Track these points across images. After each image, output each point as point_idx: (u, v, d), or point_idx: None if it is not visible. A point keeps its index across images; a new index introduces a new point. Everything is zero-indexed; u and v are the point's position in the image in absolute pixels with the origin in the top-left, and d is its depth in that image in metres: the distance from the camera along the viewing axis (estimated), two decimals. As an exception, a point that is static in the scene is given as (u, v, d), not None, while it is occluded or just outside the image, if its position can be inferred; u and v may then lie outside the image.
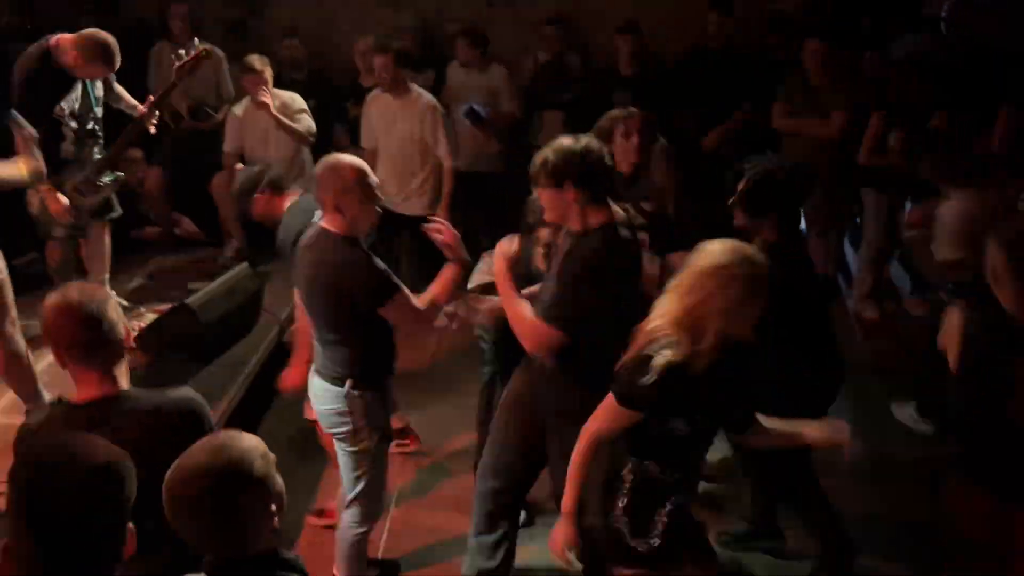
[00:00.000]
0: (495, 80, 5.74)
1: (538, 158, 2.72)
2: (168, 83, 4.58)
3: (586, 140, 2.76)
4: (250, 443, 1.70)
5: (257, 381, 4.27)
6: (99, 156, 4.45)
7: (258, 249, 5.43)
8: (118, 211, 4.65)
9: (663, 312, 2.35)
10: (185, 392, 2.24)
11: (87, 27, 5.71)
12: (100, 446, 1.66)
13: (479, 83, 5.72)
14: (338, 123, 5.83)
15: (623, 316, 2.57)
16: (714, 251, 2.33)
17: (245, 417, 4.07)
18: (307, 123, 5.19)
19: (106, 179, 4.47)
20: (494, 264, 2.87)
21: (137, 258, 5.56)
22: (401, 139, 5.09)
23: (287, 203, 3.61)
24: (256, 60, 5.14)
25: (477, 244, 5.93)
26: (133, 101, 4.57)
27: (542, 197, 2.76)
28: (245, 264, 4.64)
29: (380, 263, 2.85)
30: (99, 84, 4.44)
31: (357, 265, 2.81)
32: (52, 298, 2.14)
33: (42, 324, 2.16)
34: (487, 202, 5.51)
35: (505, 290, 2.82)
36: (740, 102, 5.49)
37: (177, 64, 4.53)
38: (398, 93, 5.06)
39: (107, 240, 4.63)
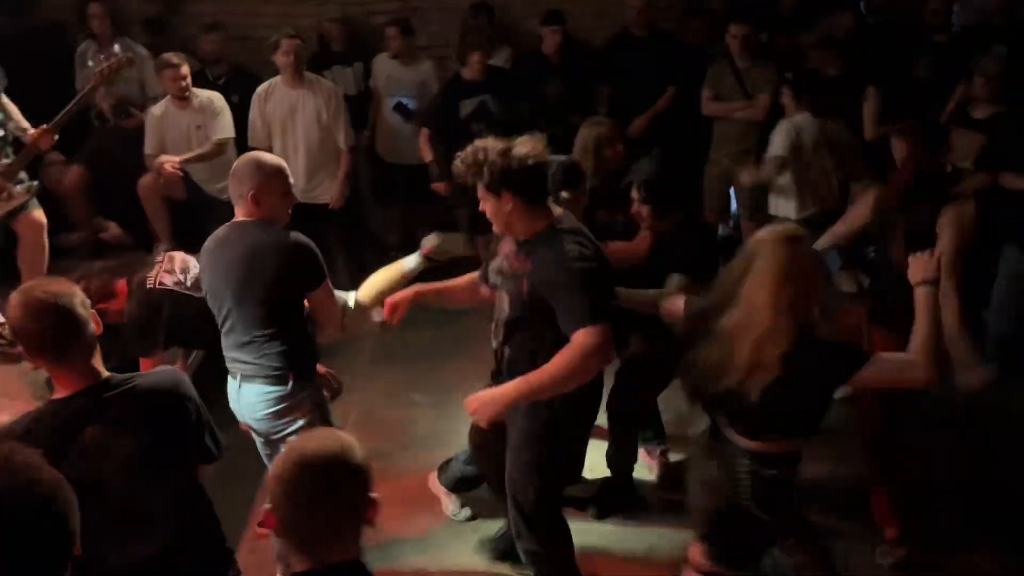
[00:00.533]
0: (423, 73, 5.71)
1: (467, 164, 2.65)
2: (82, 92, 4.47)
3: (516, 146, 2.65)
4: (350, 438, 1.72)
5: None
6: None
7: (187, 252, 5.33)
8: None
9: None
10: (166, 369, 2.33)
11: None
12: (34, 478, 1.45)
13: (408, 76, 5.68)
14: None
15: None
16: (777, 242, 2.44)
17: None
18: (224, 125, 5.12)
19: (19, 188, 4.35)
20: (490, 416, 2.70)
21: (62, 264, 5.37)
22: (307, 127, 5.03)
23: None
24: (173, 56, 5.05)
25: (411, 236, 5.99)
26: (24, 124, 4.47)
27: (484, 207, 2.70)
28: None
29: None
30: None
31: (294, 244, 2.81)
32: (17, 298, 2.08)
33: (9, 325, 2.11)
34: (417, 195, 5.51)
35: (518, 398, 2.67)
36: (664, 87, 5.56)
37: (95, 70, 4.42)
38: (298, 83, 5.02)
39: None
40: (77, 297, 2.12)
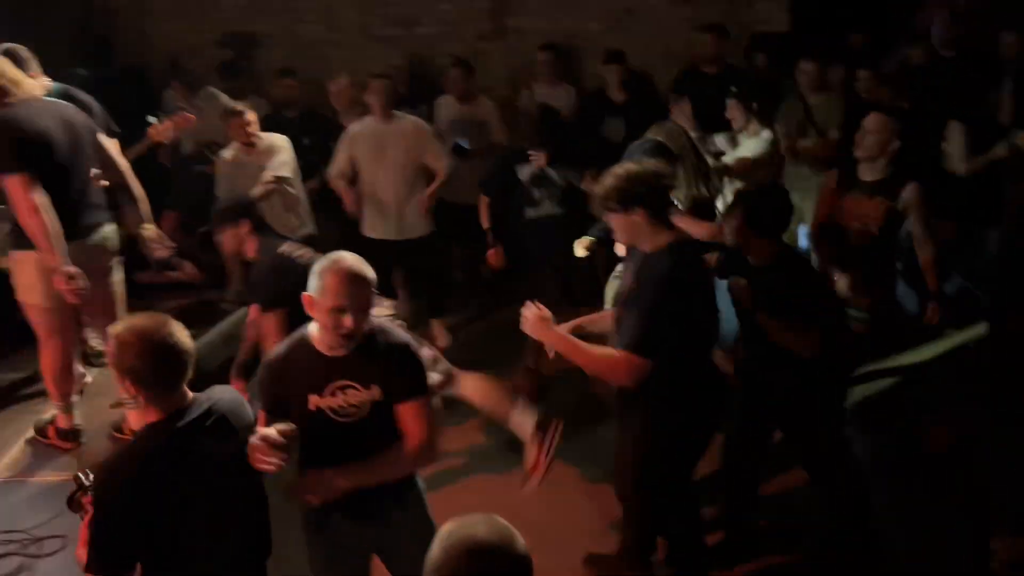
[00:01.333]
0: (484, 112, 5.76)
1: (604, 184, 2.80)
2: (136, 149, 4.63)
3: (649, 162, 2.91)
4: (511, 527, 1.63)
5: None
6: None
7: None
8: None
9: None
10: (221, 387, 2.44)
11: (82, 75, 5.84)
12: None
13: (468, 115, 5.74)
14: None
15: (700, 330, 2.78)
16: None
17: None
18: (278, 163, 5.19)
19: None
20: (536, 335, 2.85)
21: (139, 302, 5.52)
22: (396, 163, 5.09)
23: (260, 244, 3.77)
24: (239, 104, 5.23)
25: (476, 276, 6.04)
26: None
27: (612, 222, 2.85)
28: (245, 309, 4.61)
29: None
30: None
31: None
32: (121, 338, 2.18)
33: (111, 355, 2.21)
34: (478, 234, 5.56)
35: (565, 345, 2.82)
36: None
37: (153, 128, 4.59)
38: (387, 120, 5.08)
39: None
40: (175, 327, 2.25)
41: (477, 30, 6.37)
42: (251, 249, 3.84)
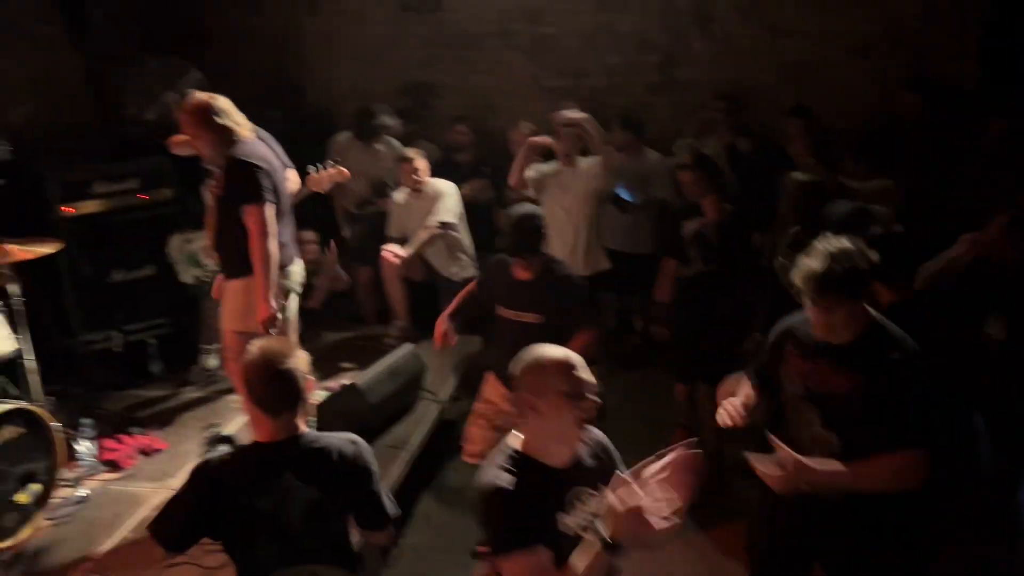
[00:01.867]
0: (649, 167, 5.75)
1: (813, 269, 2.50)
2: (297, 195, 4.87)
3: (855, 240, 2.60)
4: None
5: (417, 461, 4.35)
6: None
7: (422, 330, 5.64)
8: None
9: None
10: (348, 435, 2.52)
11: (274, 117, 6.30)
12: None
13: (633, 167, 5.74)
14: (498, 206, 6.01)
15: None
16: None
17: (404, 497, 4.15)
18: (441, 208, 5.44)
19: None
20: (794, 484, 2.56)
21: (306, 332, 5.81)
22: (572, 204, 5.18)
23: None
24: (410, 151, 5.52)
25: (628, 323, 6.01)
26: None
27: (828, 314, 2.52)
28: (410, 346, 4.78)
29: None
30: None
31: None
32: (252, 355, 2.42)
33: (242, 375, 2.46)
34: (632, 282, 5.52)
35: (841, 478, 2.49)
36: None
37: (310, 176, 4.82)
38: (570, 164, 5.21)
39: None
40: (298, 360, 2.43)
41: (645, 82, 6.41)
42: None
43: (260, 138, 4.57)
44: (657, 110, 6.26)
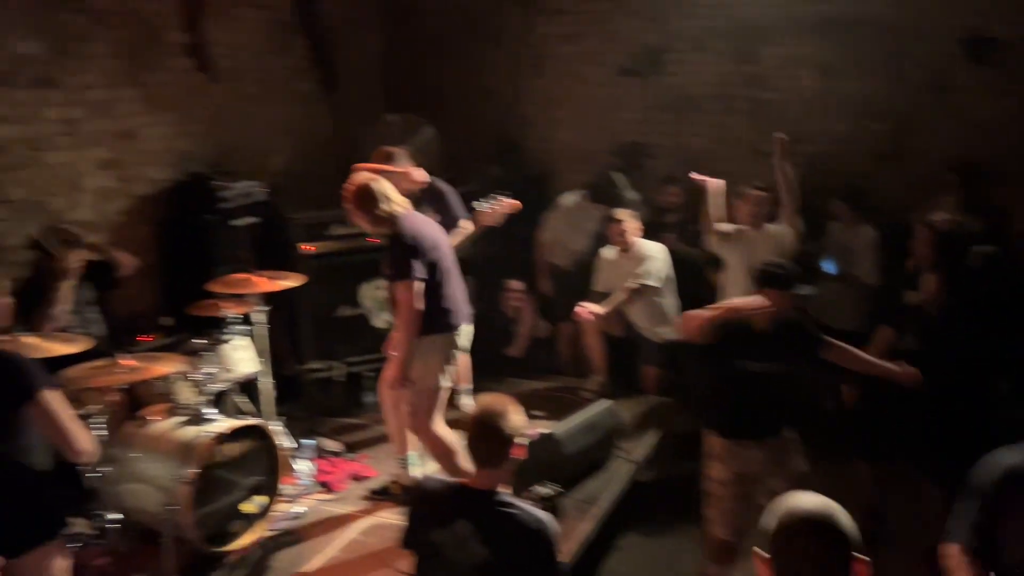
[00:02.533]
0: (860, 240, 5.53)
1: None
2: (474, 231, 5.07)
3: None
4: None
5: (607, 519, 4.35)
6: None
7: (619, 387, 5.68)
8: None
9: None
10: (541, 514, 2.58)
11: (495, 175, 6.65)
12: None
13: (846, 241, 5.54)
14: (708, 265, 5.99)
15: None
16: None
17: (592, 554, 4.17)
18: (645, 271, 5.48)
19: None
20: None
21: (498, 380, 5.96)
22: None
23: None
24: (619, 211, 5.62)
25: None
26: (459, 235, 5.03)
27: None
28: (608, 401, 4.83)
29: None
30: (431, 212, 4.94)
31: None
32: (477, 404, 2.72)
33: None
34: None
35: None
36: None
37: (483, 211, 5.00)
38: (758, 229, 5.22)
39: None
40: (515, 422, 2.61)
41: (871, 150, 6.17)
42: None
43: (438, 190, 4.96)
44: (882, 180, 5.99)
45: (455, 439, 4.22)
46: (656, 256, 5.56)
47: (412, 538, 2.68)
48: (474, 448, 2.64)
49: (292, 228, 5.76)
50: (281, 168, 5.89)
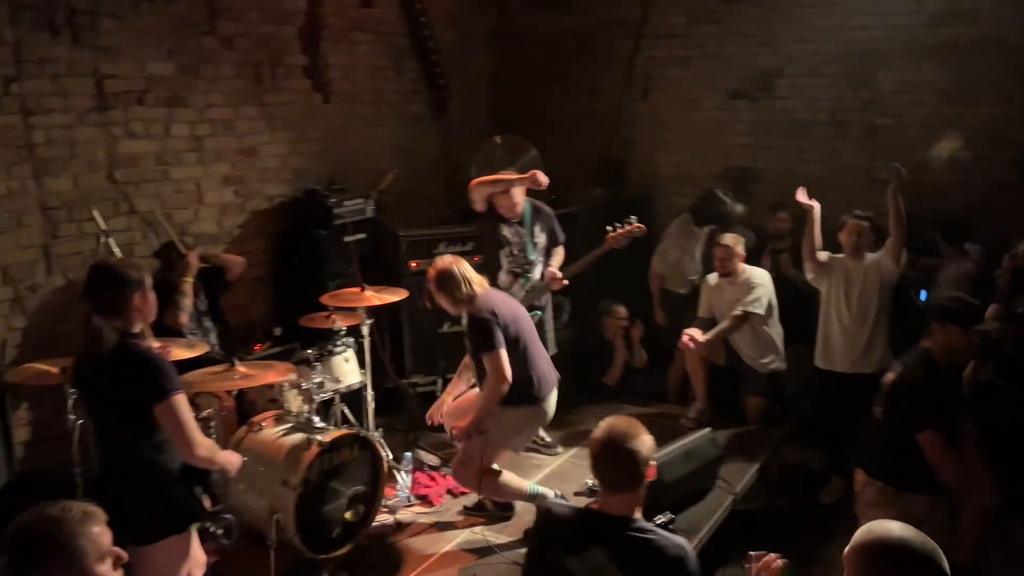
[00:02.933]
0: (953, 273, 5.28)
1: None
2: (595, 252, 5.13)
3: None
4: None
5: (704, 551, 4.26)
6: (523, 295, 5.05)
7: (720, 415, 5.57)
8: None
9: None
10: (680, 540, 2.54)
11: (597, 195, 6.67)
12: None
13: (942, 272, 5.31)
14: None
15: None
16: None
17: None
18: (750, 300, 5.34)
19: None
20: None
21: (595, 404, 5.92)
22: (857, 299, 5.05)
23: None
24: (725, 236, 5.50)
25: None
26: (552, 268, 5.12)
27: None
28: (708, 430, 4.73)
29: None
30: (538, 231, 5.10)
31: None
32: (599, 429, 2.62)
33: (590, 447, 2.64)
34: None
35: None
36: None
37: (610, 234, 5.05)
38: (856, 259, 5.09)
39: None
40: (644, 444, 2.54)
41: (997, 179, 5.89)
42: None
43: (546, 212, 5.08)
44: (1007, 211, 5.70)
45: (507, 476, 4.25)
46: (763, 283, 5.45)
47: (539, 566, 2.61)
48: (606, 473, 2.54)
49: (399, 244, 5.90)
50: (388, 186, 6.06)
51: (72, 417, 3.83)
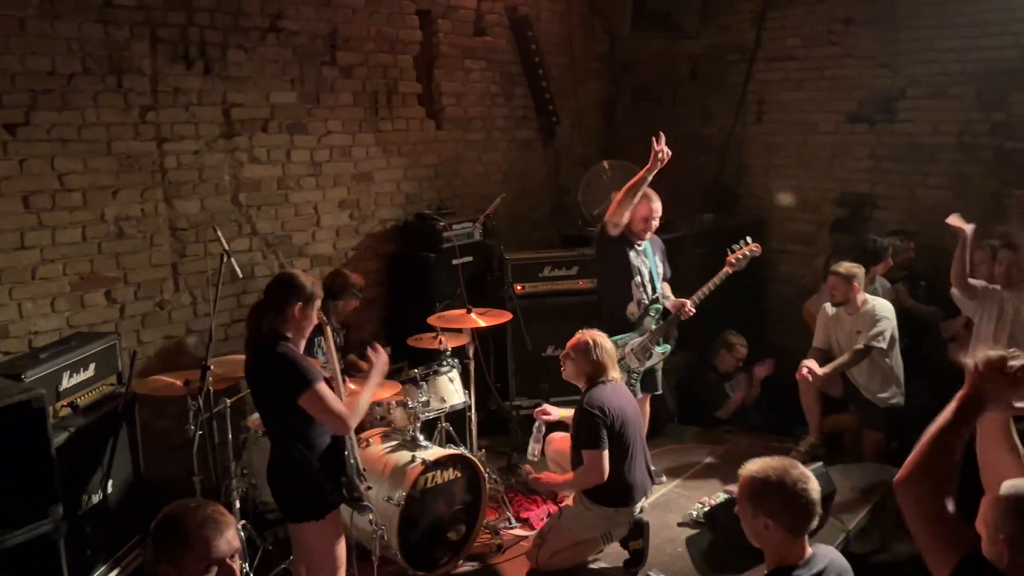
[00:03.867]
0: None
1: None
2: (717, 277, 4.97)
3: None
4: None
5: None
6: (654, 327, 4.92)
7: (833, 449, 5.37)
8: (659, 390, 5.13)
9: None
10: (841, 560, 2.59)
11: (707, 221, 6.56)
12: None
13: None
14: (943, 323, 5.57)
15: None
16: None
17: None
18: (872, 335, 5.11)
19: (658, 349, 4.94)
20: None
21: (723, 434, 5.86)
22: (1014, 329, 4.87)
23: None
24: (838, 266, 5.28)
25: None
26: (667, 292, 5.04)
27: None
28: (820, 464, 4.55)
29: None
30: (658, 260, 5.02)
31: None
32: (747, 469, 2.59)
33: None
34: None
35: None
36: None
37: (729, 256, 4.94)
38: (1009, 287, 4.90)
39: (646, 410, 5.03)
40: (813, 481, 2.52)
41: None
42: None
43: (659, 241, 4.99)
44: None
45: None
46: (887, 316, 5.20)
47: None
48: (792, 519, 2.49)
49: (506, 268, 5.96)
50: (496, 209, 6.15)
51: (192, 427, 4.02)
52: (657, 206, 4.90)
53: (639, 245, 4.94)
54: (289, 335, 3.25)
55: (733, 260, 4.96)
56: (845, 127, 6.66)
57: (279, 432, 3.29)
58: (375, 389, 3.45)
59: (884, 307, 5.23)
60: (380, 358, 3.50)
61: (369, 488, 3.53)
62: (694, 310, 4.94)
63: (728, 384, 6.22)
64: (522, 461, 5.05)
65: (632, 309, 4.95)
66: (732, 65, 7.20)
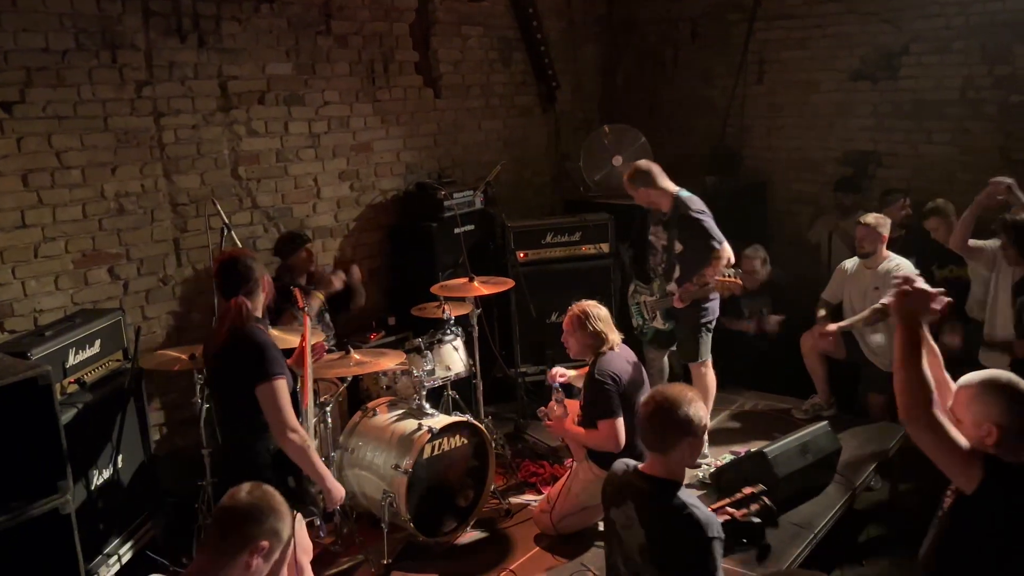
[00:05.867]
0: None
1: None
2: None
3: None
4: None
5: (819, 546, 4.12)
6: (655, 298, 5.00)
7: (838, 409, 5.38)
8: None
9: None
10: (699, 513, 2.62)
11: (711, 183, 6.51)
12: None
13: None
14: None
15: None
16: None
17: (803, 581, 3.96)
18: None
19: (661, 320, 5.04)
20: None
21: (730, 395, 5.80)
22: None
23: None
24: (870, 216, 5.22)
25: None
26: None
27: None
28: (824, 423, 4.57)
29: None
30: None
31: None
32: (648, 394, 2.80)
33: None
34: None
35: None
36: None
37: (718, 277, 4.80)
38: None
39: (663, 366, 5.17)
40: (689, 410, 2.65)
41: None
42: None
43: (682, 203, 4.81)
44: None
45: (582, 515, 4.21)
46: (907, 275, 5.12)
47: (605, 514, 2.89)
48: (645, 432, 2.71)
49: (507, 236, 5.95)
50: (496, 176, 6.12)
51: (199, 401, 4.05)
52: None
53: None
54: (258, 314, 3.19)
55: (717, 281, 4.79)
56: (847, 85, 6.58)
57: (234, 420, 3.20)
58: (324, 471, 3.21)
59: (906, 265, 5.14)
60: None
61: (320, 494, 3.35)
62: (680, 305, 4.87)
63: (742, 302, 5.99)
64: (529, 427, 5.08)
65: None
66: (733, 25, 7.10)
